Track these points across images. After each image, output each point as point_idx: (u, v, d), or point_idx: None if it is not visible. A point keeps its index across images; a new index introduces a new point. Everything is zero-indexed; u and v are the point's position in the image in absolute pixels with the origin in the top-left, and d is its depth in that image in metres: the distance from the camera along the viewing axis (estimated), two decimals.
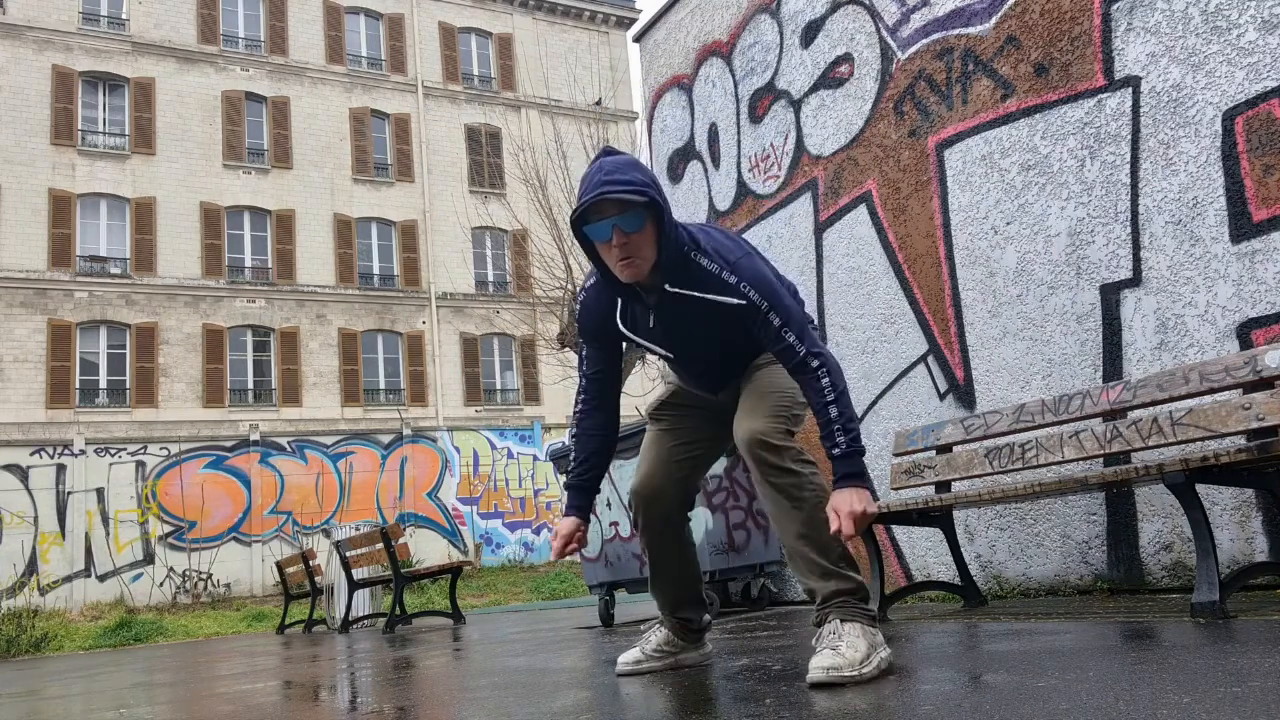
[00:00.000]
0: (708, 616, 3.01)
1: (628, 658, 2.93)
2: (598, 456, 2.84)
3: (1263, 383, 3.13)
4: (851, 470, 2.42)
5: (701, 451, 2.91)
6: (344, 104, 26.43)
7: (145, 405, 22.36)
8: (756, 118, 6.24)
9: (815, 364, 2.49)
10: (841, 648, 2.34)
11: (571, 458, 2.86)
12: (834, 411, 2.45)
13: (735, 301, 2.52)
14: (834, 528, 2.38)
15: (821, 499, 2.50)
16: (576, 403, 2.87)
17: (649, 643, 2.94)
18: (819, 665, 2.29)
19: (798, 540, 2.52)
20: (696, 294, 2.54)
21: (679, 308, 2.59)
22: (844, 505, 2.36)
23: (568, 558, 2.66)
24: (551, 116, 26.63)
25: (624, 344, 2.78)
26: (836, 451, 2.44)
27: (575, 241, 2.70)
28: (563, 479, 6.42)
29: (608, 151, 2.58)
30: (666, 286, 2.56)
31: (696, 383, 2.86)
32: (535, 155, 20.27)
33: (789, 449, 2.57)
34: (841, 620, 2.43)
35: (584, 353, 2.84)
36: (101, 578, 18.88)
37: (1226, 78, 3.76)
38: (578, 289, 2.64)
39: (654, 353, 2.76)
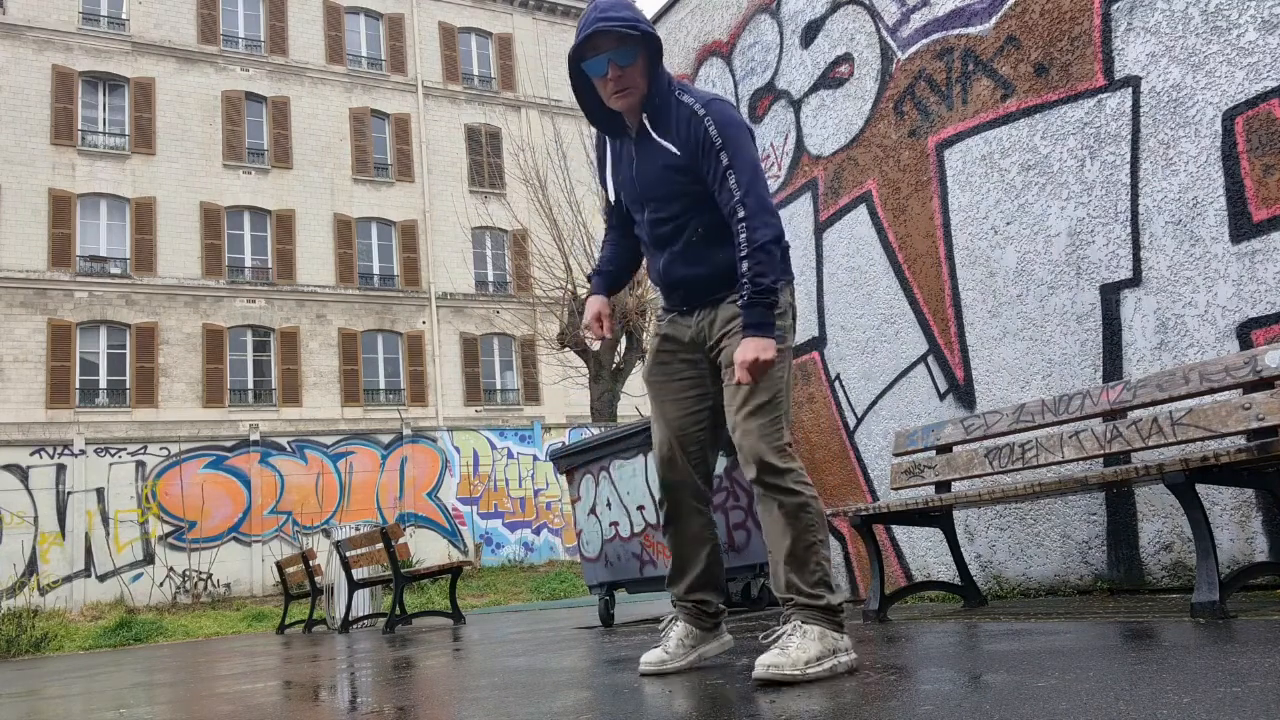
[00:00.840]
0: (722, 605, 2.99)
1: (651, 658, 2.87)
2: (617, 252, 3.00)
3: (1263, 383, 3.13)
4: (752, 320, 2.52)
5: (707, 421, 2.86)
6: (344, 104, 26.42)
7: (145, 405, 22.35)
8: (756, 118, 6.24)
9: (742, 213, 2.55)
10: (790, 648, 2.40)
11: (598, 256, 3.00)
12: (745, 265, 2.54)
13: (690, 119, 2.62)
14: (735, 379, 2.52)
15: (814, 523, 2.58)
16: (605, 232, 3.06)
17: (669, 640, 2.90)
18: (762, 662, 2.36)
19: (784, 559, 2.59)
20: (674, 117, 2.66)
21: (656, 143, 2.69)
22: (741, 355, 2.50)
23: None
24: (551, 116, 26.63)
25: (616, 184, 2.85)
26: (739, 302, 2.55)
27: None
28: (563, 479, 6.42)
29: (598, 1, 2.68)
30: (645, 118, 2.68)
31: (668, 279, 2.82)
32: (535, 155, 20.27)
33: (791, 470, 2.59)
34: (802, 621, 2.49)
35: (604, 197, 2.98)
36: (101, 578, 18.89)
37: (1226, 78, 3.76)
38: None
39: (629, 191, 2.81)
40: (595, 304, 2.89)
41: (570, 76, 2.72)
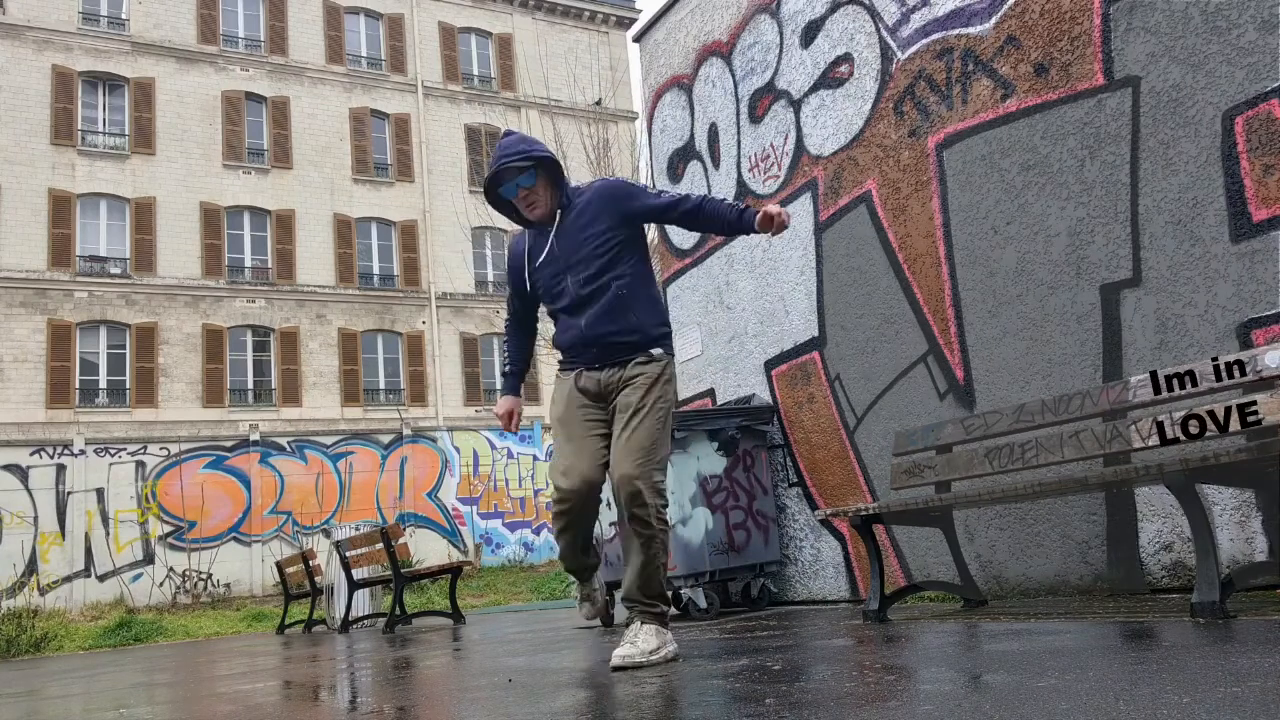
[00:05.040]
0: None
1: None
2: (523, 353, 3.68)
3: (1263, 383, 3.13)
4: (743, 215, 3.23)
5: (607, 456, 3.36)
6: (344, 104, 26.41)
7: (145, 405, 22.35)
8: (756, 118, 6.24)
9: (697, 198, 3.32)
10: (638, 642, 3.14)
11: (505, 355, 3.67)
12: (733, 206, 3.27)
13: (606, 188, 3.37)
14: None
15: (660, 550, 3.22)
16: (505, 327, 3.71)
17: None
18: (619, 655, 3.09)
19: (635, 575, 3.24)
20: (585, 200, 3.35)
21: (571, 219, 3.34)
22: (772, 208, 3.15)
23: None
24: (551, 116, 26.59)
25: (536, 268, 3.43)
26: (737, 208, 3.26)
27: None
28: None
29: (507, 133, 3.42)
30: (560, 210, 3.35)
31: (589, 335, 3.32)
32: None
33: (654, 505, 3.19)
34: (641, 622, 3.22)
35: (509, 297, 3.61)
36: (101, 578, 18.88)
37: (1226, 78, 3.76)
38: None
39: (555, 263, 3.37)
40: (508, 403, 3.59)
41: (489, 200, 3.41)
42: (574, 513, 3.34)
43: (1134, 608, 3.49)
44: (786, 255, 5.94)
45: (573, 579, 3.76)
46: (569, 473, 3.29)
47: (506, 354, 3.69)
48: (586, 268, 3.29)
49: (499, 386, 3.75)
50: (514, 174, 3.29)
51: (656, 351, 3.31)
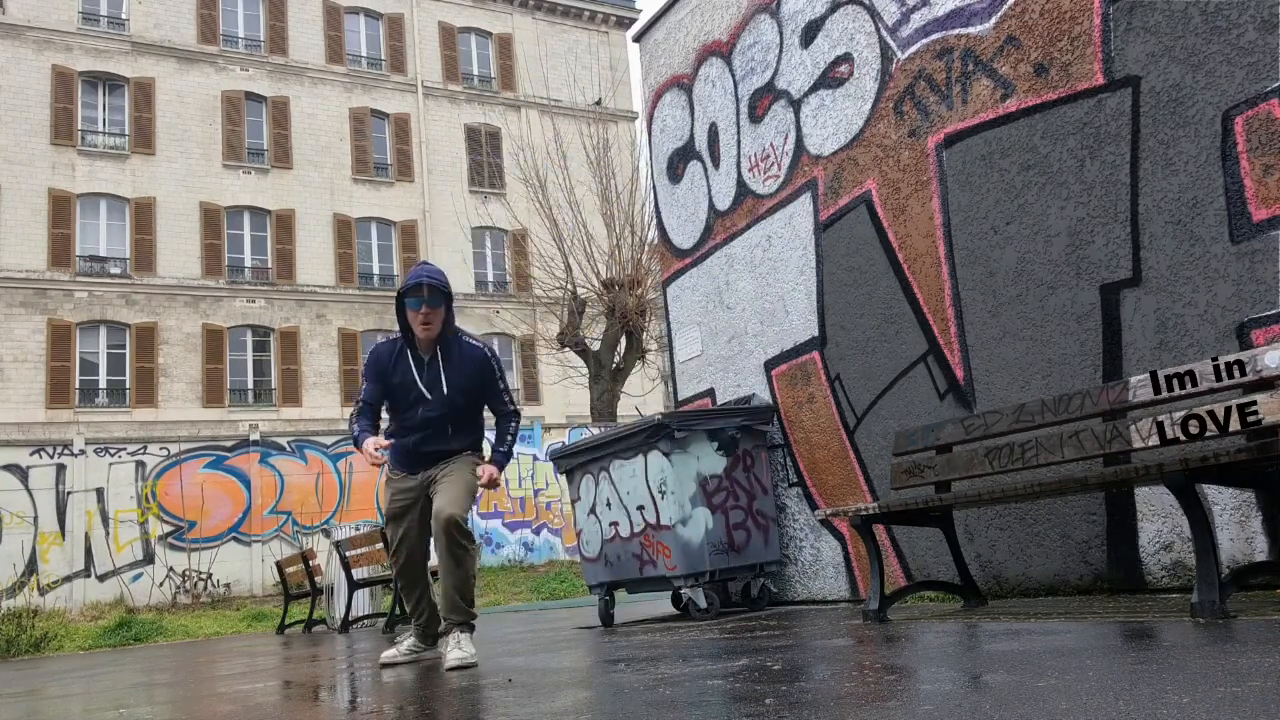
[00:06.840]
0: (440, 629, 4.44)
1: (387, 653, 4.54)
2: (375, 425, 4.34)
3: (1263, 383, 3.13)
4: (500, 462, 4.31)
5: (424, 522, 4.35)
6: (344, 104, 26.42)
7: (145, 405, 22.35)
8: (756, 118, 6.24)
9: (514, 420, 4.37)
10: (464, 644, 3.97)
11: (357, 427, 4.28)
12: (508, 442, 4.33)
13: (484, 360, 4.27)
14: (482, 477, 4.20)
15: (473, 568, 4.16)
16: (354, 412, 4.35)
17: (402, 644, 4.59)
18: (455, 658, 3.87)
19: (453, 589, 4.11)
20: (462, 354, 4.23)
21: (446, 363, 4.20)
22: (493, 471, 4.24)
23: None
24: (551, 116, 26.60)
25: (396, 384, 4.24)
26: (500, 451, 4.33)
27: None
28: (563, 479, 6.43)
29: (424, 264, 4.24)
30: (439, 350, 4.19)
31: (419, 451, 4.27)
32: (535, 155, 20.25)
33: (469, 531, 4.13)
34: (460, 631, 4.06)
35: (365, 387, 4.33)
36: (101, 578, 18.88)
37: (1226, 78, 3.76)
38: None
39: (417, 394, 4.21)
40: (374, 440, 4.18)
41: (396, 305, 4.14)
42: (411, 576, 4.46)
43: (1134, 608, 3.49)
44: (786, 255, 5.94)
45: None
46: (402, 551, 4.38)
47: (359, 427, 4.27)
48: (437, 408, 4.17)
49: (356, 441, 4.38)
50: (430, 293, 4.04)
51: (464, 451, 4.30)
